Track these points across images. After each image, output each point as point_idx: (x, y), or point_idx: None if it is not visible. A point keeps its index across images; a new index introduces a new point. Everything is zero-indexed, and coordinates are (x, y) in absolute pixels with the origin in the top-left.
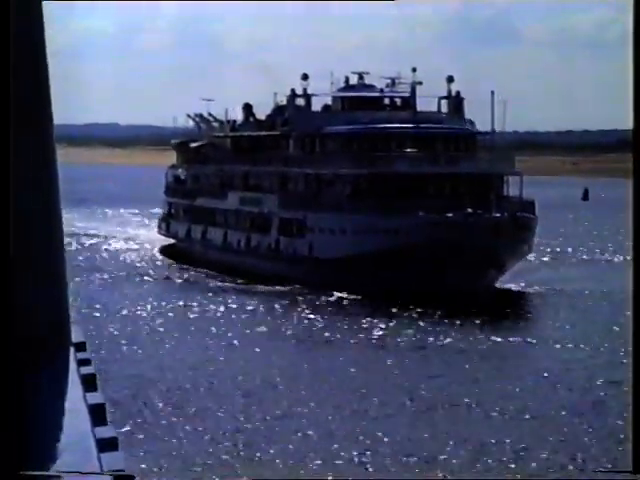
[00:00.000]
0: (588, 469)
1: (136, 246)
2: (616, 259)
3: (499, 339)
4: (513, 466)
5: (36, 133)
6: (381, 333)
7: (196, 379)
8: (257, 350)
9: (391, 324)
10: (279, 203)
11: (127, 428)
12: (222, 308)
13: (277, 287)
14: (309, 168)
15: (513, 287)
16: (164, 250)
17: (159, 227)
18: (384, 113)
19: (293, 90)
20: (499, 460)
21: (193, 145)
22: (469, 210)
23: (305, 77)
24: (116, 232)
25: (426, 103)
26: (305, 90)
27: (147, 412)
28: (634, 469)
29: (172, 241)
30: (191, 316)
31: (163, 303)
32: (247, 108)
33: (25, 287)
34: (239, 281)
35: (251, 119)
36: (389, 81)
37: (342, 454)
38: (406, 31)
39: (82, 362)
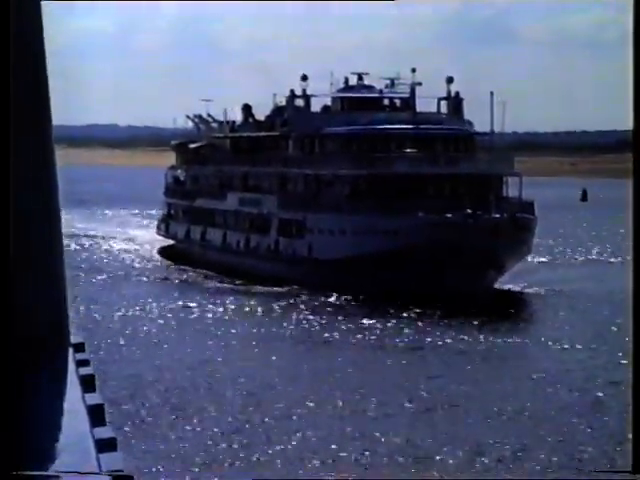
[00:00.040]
0: (587, 469)
1: (135, 247)
2: (614, 260)
3: (498, 340)
4: (511, 466)
5: (35, 134)
6: (380, 334)
7: (194, 379)
8: (256, 351)
9: (390, 325)
10: (278, 204)
11: (126, 429)
12: (221, 309)
13: (276, 288)
14: (308, 169)
15: (512, 288)
16: (163, 251)
17: (158, 228)
18: (383, 114)
19: (292, 91)
20: (497, 460)
21: (192, 146)
22: (468, 211)
23: (304, 78)
24: (115, 233)
25: (425, 104)
26: (304, 91)
27: (145, 412)
28: (634, 469)
29: (171, 242)
30: (190, 317)
31: (162, 304)
32: (246, 109)
33: (24, 287)
34: (238, 282)
35: (250, 120)
36: (388, 82)
37: (340, 454)
38: (405, 31)
39: (81, 363)
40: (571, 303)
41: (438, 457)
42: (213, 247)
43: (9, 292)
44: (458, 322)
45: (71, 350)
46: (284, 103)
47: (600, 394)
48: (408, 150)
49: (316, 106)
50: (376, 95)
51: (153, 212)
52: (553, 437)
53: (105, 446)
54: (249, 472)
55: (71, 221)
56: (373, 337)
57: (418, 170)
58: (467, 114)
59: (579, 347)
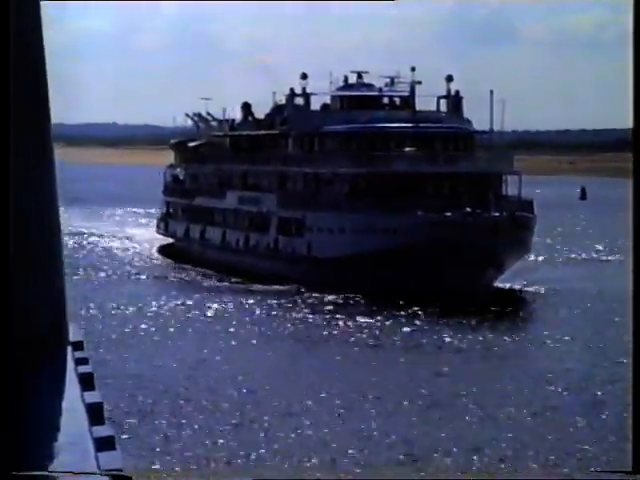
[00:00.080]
0: (587, 469)
1: (135, 245)
2: (613, 258)
3: (497, 338)
4: (510, 465)
5: (34, 133)
6: (379, 332)
7: (194, 378)
8: (255, 349)
9: (389, 323)
10: (278, 202)
11: (125, 427)
12: (220, 307)
13: (275, 286)
14: (308, 167)
15: (512, 286)
16: (163, 249)
17: (158, 226)
18: (383, 112)
19: (292, 89)
20: (498, 460)
21: (191, 144)
22: (468, 209)
23: (304, 76)
24: (114, 232)
25: (425, 102)
26: (304, 89)
27: (145, 410)
28: (634, 469)
29: (171, 240)
30: (189, 315)
31: (161, 302)
32: (246, 107)
33: (23, 286)
34: (237, 280)
35: (250, 118)
36: (388, 80)
37: (339, 452)
38: (405, 31)
39: (80, 361)
40: (570, 302)
41: (435, 455)
42: (212, 246)
43: (9, 291)
44: (457, 321)
45: (70, 348)
46: (284, 102)
47: (599, 392)
48: (407, 149)
49: (316, 104)
50: (376, 94)
51: (152, 211)
52: (551, 435)
53: (104, 445)
54: (249, 472)
55: (69, 220)
56: (372, 335)
57: (417, 169)
58: (466, 113)
59: (578, 345)
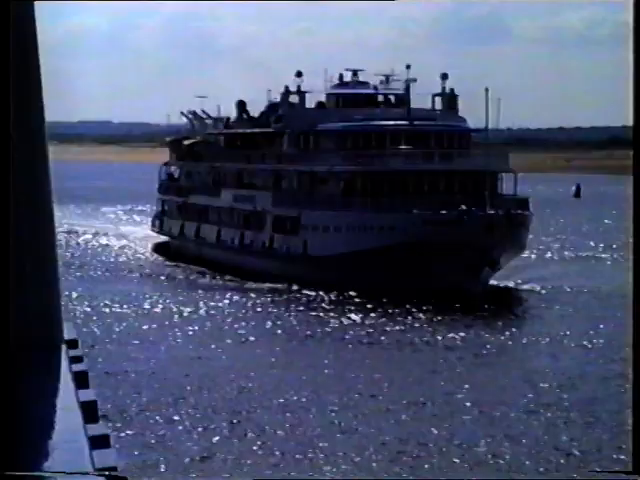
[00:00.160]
0: (587, 469)
1: (129, 243)
2: (606, 256)
3: (492, 336)
4: (502, 461)
5: (28, 131)
6: (373, 330)
7: (188, 376)
8: (249, 347)
9: (383, 321)
10: (273, 200)
11: (119, 425)
12: (214, 305)
13: (270, 285)
14: (303, 165)
15: (507, 284)
16: (157, 248)
17: (152, 224)
18: (378, 110)
19: (287, 87)
20: (492, 455)
21: (186, 142)
22: (463, 207)
23: (299, 74)
24: (108, 229)
25: (420, 100)
26: (299, 87)
27: (141, 407)
28: (634, 469)
29: (165, 238)
30: (184, 313)
31: (155, 300)
32: (241, 105)
33: (18, 284)
34: (232, 278)
35: (245, 116)
36: (383, 78)
37: (329, 450)
38: (400, 29)
39: (74, 359)
40: (565, 299)
41: (426, 453)
42: (207, 244)
43: (2, 289)
44: (452, 318)
45: (64, 347)
46: (278, 99)
47: (595, 390)
48: (403, 146)
49: (310, 102)
50: (371, 91)
51: (145, 209)
52: (544, 432)
53: (98, 443)
54: (249, 472)
55: (62, 218)
56: (366, 333)
57: (413, 167)
58: (461, 111)
59: (573, 342)
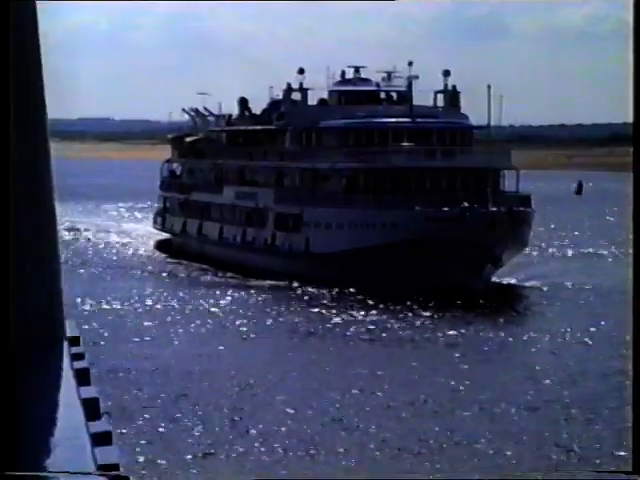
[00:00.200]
0: (587, 469)
1: (131, 240)
2: (607, 252)
3: (493, 333)
4: (501, 460)
5: (30, 128)
6: (375, 327)
7: (190, 373)
8: (250, 344)
9: (385, 317)
10: (275, 198)
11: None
12: (216, 302)
13: (272, 282)
14: (305, 162)
15: (509, 281)
16: (159, 245)
17: (154, 222)
18: (380, 107)
19: (289, 84)
20: (489, 454)
21: (188, 139)
22: (465, 204)
23: (301, 71)
24: (110, 226)
25: (422, 97)
26: (301, 84)
27: (143, 403)
28: (634, 469)
29: (167, 236)
30: (186, 310)
31: (156, 298)
32: (243, 102)
33: (19, 282)
34: (234, 276)
35: (247, 113)
36: (385, 75)
37: (331, 447)
38: (401, 28)
39: (76, 356)
40: (566, 296)
41: (427, 450)
42: (209, 241)
43: (4, 286)
44: (453, 315)
45: (66, 344)
46: (281, 96)
47: (595, 387)
48: (405, 143)
49: (313, 99)
50: (373, 88)
51: (148, 206)
52: (545, 429)
53: (100, 440)
54: (251, 469)
55: (64, 215)
56: (368, 330)
57: (415, 164)
58: (463, 108)
59: (574, 339)
